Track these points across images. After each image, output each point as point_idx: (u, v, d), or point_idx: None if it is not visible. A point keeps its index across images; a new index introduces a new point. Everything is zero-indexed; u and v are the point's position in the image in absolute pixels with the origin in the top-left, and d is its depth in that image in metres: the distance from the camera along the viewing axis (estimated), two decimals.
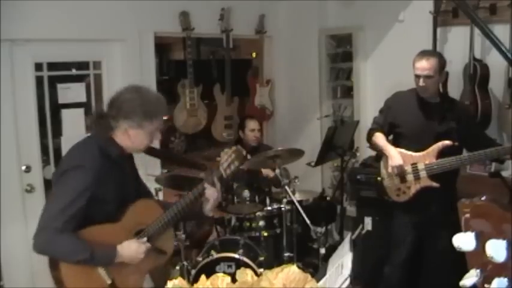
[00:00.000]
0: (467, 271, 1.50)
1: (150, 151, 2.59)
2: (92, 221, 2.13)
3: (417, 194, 3.11)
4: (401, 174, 3.11)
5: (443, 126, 3.07)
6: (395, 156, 3.12)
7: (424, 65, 3.03)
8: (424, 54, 3.09)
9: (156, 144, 4.22)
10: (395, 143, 3.24)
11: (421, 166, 3.07)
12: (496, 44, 1.69)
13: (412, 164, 3.10)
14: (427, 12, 3.91)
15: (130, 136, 2.22)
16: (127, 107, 2.19)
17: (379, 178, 3.29)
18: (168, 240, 2.40)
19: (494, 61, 3.59)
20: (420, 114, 3.14)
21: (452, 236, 3.24)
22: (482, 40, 3.69)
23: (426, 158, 3.05)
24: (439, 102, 3.14)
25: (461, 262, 1.56)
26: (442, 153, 3.01)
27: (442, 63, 3.08)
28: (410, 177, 3.11)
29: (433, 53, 3.10)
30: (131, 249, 2.17)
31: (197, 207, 2.44)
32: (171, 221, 2.34)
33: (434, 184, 3.03)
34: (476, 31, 3.54)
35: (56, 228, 2.02)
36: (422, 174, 3.06)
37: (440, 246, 3.15)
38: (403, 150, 3.15)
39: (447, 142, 2.99)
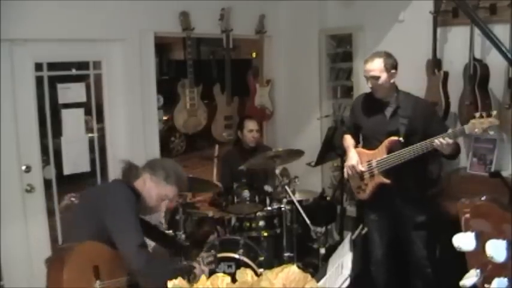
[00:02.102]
0: (467, 271, 1.50)
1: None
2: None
3: (374, 191, 3.19)
4: (355, 173, 3.21)
5: (394, 123, 3.15)
6: (351, 157, 3.25)
7: (369, 67, 3.12)
8: (370, 56, 3.18)
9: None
10: (363, 144, 3.35)
11: (374, 163, 3.17)
12: (496, 44, 1.69)
13: (367, 162, 3.20)
14: (427, 12, 3.91)
15: (145, 186, 2.50)
16: (157, 164, 2.57)
17: (346, 177, 3.40)
18: None
19: (494, 61, 3.59)
20: (373, 114, 3.25)
21: (425, 236, 3.29)
22: (482, 40, 3.69)
23: (378, 154, 3.16)
24: (393, 100, 3.20)
25: (461, 262, 1.56)
26: (392, 150, 3.10)
27: (389, 62, 3.11)
28: (366, 174, 3.21)
29: (380, 53, 3.16)
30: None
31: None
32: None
33: (385, 180, 3.12)
34: (476, 31, 3.54)
35: (140, 244, 2.30)
36: (376, 170, 3.16)
37: (415, 245, 3.22)
38: (361, 149, 3.28)
39: (393, 138, 3.09)
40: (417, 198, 3.20)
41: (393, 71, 3.13)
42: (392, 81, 3.15)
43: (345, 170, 3.27)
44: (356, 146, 3.35)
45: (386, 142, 3.12)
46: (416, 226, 3.18)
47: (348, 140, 3.37)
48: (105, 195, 2.46)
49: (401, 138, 3.07)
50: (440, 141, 2.87)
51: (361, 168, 3.19)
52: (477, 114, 2.82)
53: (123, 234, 2.31)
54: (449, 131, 2.96)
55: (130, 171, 2.55)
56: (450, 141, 2.87)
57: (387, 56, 3.14)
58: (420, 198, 3.21)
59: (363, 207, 4.03)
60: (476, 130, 2.81)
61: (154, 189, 2.49)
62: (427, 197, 3.32)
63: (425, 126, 3.12)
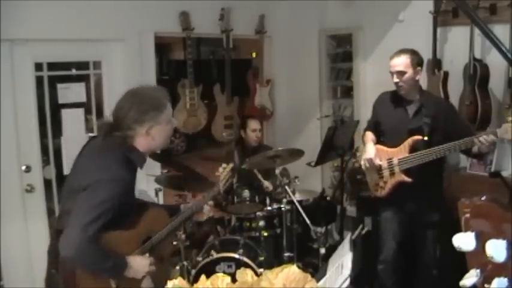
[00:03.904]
0: (467, 271, 1.50)
1: (153, 156, 2.65)
2: (110, 226, 2.15)
3: (394, 189, 3.18)
4: (372, 167, 3.19)
5: (416, 122, 3.14)
6: (368, 150, 3.24)
7: (395, 62, 3.13)
8: (397, 52, 3.19)
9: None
10: (379, 141, 3.33)
11: (395, 161, 3.15)
12: (496, 44, 1.69)
13: (388, 159, 3.18)
14: (427, 12, 3.91)
15: (153, 136, 2.24)
16: (135, 113, 2.19)
17: (359, 176, 3.41)
18: (167, 245, 2.46)
19: (494, 61, 3.59)
20: (395, 111, 3.24)
21: (438, 236, 3.28)
22: (482, 40, 3.69)
23: (399, 153, 3.14)
24: (416, 99, 3.20)
25: (461, 262, 1.56)
26: (415, 149, 3.08)
27: (414, 59, 3.13)
28: (386, 172, 3.19)
29: (406, 50, 3.17)
30: (138, 265, 2.20)
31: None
32: (174, 231, 2.42)
33: (407, 179, 3.09)
34: (476, 31, 3.54)
35: (85, 239, 2.04)
36: (396, 169, 3.14)
37: (428, 246, 3.20)
38: (381, 146, 3.25)
39: (417, 137, 3.07)
40: (433, 198, 3.18)
41: (419, 68, 3.15)
42: (417, 78, 3.15)
43: (362, 162, 3.26)
44: (377, 143, 3.32)
45: (409, 141, 3.09)
46: (430, 225, 3.17)
47: (369, 136, 3.36)
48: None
49: (426, 138, 3.05)
50: (484, 138, 2.79)
51: (378, 162, 3.17)
52: (510, 119, 2.74)
53: (78, 214, 2.08)
54: (488, 129, 2.92)
55: (119, 137, 2.20)
56: (491, 138, 2.79)
57: (413, 52, 3.16)
58: (436, 198, 3.20)
59: (363, 207, 4.04)
60: (507, 135, 2.75)
61: (162, 127, 2.23)
62: (441, 196, 3.30)
63: (447, 126, 3.12)
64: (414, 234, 3.27)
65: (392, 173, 3.16)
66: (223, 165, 2.54)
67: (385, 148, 3.23)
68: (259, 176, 3.79)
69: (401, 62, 3.11)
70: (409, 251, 3.32)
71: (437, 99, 3.38)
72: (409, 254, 3.32)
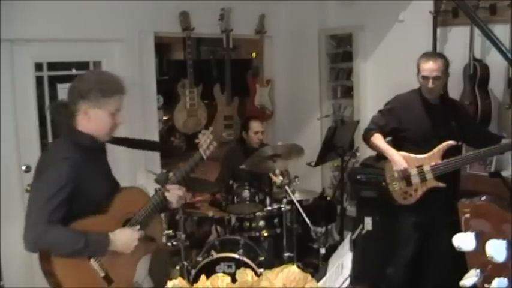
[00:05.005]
0: (467, 271, 1.50)
1: (115, 141, 2.50)
2: (81, 215, 2.11)
3: (424, 195, 3.12)
4: (406, 177, 3.12)
5: (446, 126, 3.09)
6: (399, 160, 3.12)
7: (432, 66, 3.04)
8: (430, 55, 3.11)
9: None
10: (397, 146, 3.22)
11: (426, 168, 3.07)
12: (496, 44, 1.69)
13: (417, 167, 3.10)
14: (427, 12, 3.91)
15: (90, 117, 2.18)
16: (83, 86, 2.19)
17: (383, 183, 3.27)
18: (157, 226, 2.36)
19: (494, 61, 3.59)
20: (426, 117, 3.14)
21: (453, 235, 3.24)
22: (482, 40, 3.69)
23: (432, 159, 3.06)
24: (440, 103, 3.16)
25: (461, 262, 1.56)
26: (447, 154, 3.03)
27: (447, 64, 3.10)
28: (416, 179, 3.11)
29: (439, 54, 3.15)
30: (125, 236, 2.15)
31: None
32: (157, 207, 2.31)
33: (441, 184, 3.04)
34: (476, 31, 3.54)
35: (43, 222, 2.00)
36: (429, 175, 3.07)
37: (442, 246, 3.17)
38: (406, 153, 3.15)
39: (451, 142, 3.01)
40: (454, 198, 3.14)
41: (448, 72, 3.12)
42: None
43: (396, 175, 3.14)
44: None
45: (444, 146, 3.01)
46: (448, 225, 3.11)
47: (381, 139, 3.22)
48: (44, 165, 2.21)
49: (460, 143, 3.01)
50: None
51: (409, 170, 3.09)
52: None
53: (30, 204, 2.09)
54: None
55: (63, 114, 2.22)
56: None
57: (445, 57, 3.11)
58: (456, 198, 3.17)
59: (363, 207, 4.03)
60: None
61: (102, 113, 2.17)
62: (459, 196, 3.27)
63: (465, 127, 3.09)
64: (431, 235, 3.22)
65: (423, 180, 3.09)
66: (203, 131, 2.47)
67: (412, 155, 3.11)
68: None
69: (438, 68, 3.03)
70: (420, 252, 3.28)
71: (455, 101, 3.33)
72: (420, 255, 3.28)
